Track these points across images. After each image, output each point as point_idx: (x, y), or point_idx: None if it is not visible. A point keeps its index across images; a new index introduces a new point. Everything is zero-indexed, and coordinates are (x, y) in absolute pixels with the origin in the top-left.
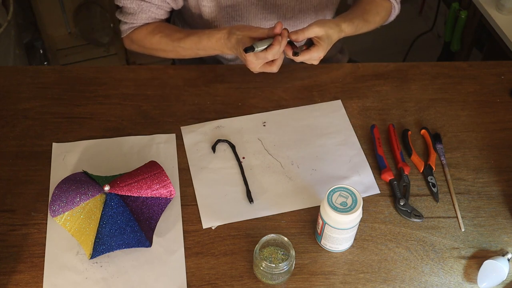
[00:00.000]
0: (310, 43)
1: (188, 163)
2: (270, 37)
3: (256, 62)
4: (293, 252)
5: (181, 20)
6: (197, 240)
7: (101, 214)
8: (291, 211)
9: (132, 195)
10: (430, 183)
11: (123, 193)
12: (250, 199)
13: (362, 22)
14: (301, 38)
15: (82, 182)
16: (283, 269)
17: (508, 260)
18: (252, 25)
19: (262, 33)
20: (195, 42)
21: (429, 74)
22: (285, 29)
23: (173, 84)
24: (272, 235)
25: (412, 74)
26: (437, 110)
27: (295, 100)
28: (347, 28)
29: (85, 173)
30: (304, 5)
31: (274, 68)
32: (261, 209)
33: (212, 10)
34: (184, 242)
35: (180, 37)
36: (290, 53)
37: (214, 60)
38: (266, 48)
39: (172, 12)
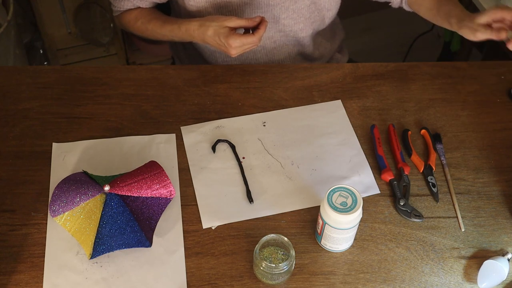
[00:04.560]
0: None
1: (188, 163)
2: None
3: (241, 48)
4: (293, 252)
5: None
6: (197, 240)
7: (101, 214)
8: (291, 211)
9: (132, 195)
10: (430, 183)
11: (123, 193)
12: (250, 199)
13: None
14: None
15: (82, 182)
16: (283, 269)
17: (508, 260)
18: (223, 16)
19: (239, 23)
20: (169, 30)
21: (429, 74)
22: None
23: (173, 84)
24: (272, 235)
25: (412, 74)
26: (437, 110)
27: (295, 100)
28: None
29: (85, 173)
30: (297, 5)
31: (256, 45)
32: (261, 209)
33: (203, 10)
34: (184, 242)
35: (157, 25)
36: None
37: (212, 60)
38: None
39: (159, 5)
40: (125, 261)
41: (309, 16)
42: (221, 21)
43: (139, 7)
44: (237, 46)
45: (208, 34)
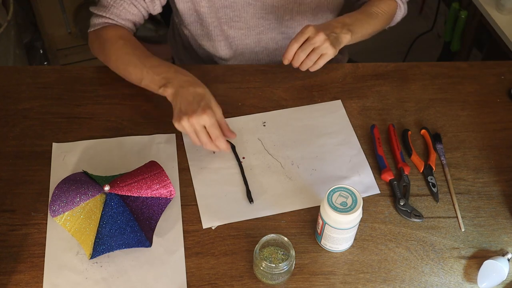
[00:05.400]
0: None
1: (188, 163)
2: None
3: (205, 126)
4: (293, 252)
5: (181, 24)
6: (197, 240)
7: (101, 214)
8: (291, 211)
9: (132, 195)
10: (430, 183)
11: (123, 193)
12: (250, 199)
13: (364, 16)
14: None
15: (82, 182)
16: (283, 269)
17: (508, 260)
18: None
19: (220, 117)
20: (153, 59)
21: (429, 74)
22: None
23: None
24: (272, 235)
25: (412, 74)
26: (437, 110)
27: (295, 100)
28: (347, 19)
29: (85, 173)
30: (302, 8)
31: (216, 148)
32: (261, 209)
33: (209, 11)
34: (184, 242)
35: (144, 54)
36: None
37: (212, 61)
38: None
39: (149, 17)
40: (125, 261)
41: (313, 19)
42: (212, 97)
43: (127, 22)
44: (211, 117)
45: (194, 80)
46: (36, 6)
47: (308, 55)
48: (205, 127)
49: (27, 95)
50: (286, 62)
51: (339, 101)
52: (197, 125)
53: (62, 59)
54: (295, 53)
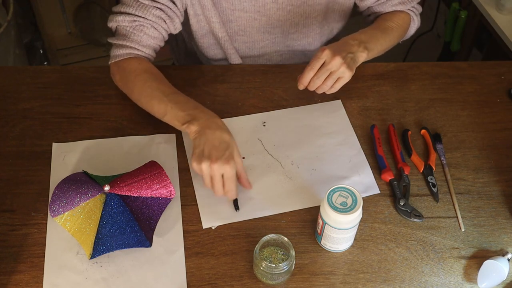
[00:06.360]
0: None
1: (188, 163)
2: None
3: (218, 184)
4: (293, 252)
5: (191, 35)
6: (197, 240)
7: (101, 214)
8: (291, 211)
9: (132, 195)
10: (430, 183)
11: (123, 193)
12: (236, 207)
13: (379, 31)
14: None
15: (82, 182)
16: (283, 269)
17: (508, 260)
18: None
19: (241, 168)
20: (176, 94)
21: (429, 74)
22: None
23: (173, 84)
24: (272, 235)
25: (412, 74)
26: (437, 110)
27: (295, 100)
28: (363, 36)
29: (85, 173)
30: (308, 21)
31: (229, 194)
32: (261, 209)
33: (219, 26)
34: (184, 242)
35: (167, 86)
36: None
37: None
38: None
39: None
40: (125, 261)
41: (319, 31)
42: (236, 145)
43: (147, 48)
44: (232, 169)
45: (222, 124)
46: (36, 6)
47: (324, 80)
48: (222, 176)
49: (27, 95)
50: (301, 87)
51: (339, 101)
52: (216, 173)
53: (62, 59)
54: (310, 79)
